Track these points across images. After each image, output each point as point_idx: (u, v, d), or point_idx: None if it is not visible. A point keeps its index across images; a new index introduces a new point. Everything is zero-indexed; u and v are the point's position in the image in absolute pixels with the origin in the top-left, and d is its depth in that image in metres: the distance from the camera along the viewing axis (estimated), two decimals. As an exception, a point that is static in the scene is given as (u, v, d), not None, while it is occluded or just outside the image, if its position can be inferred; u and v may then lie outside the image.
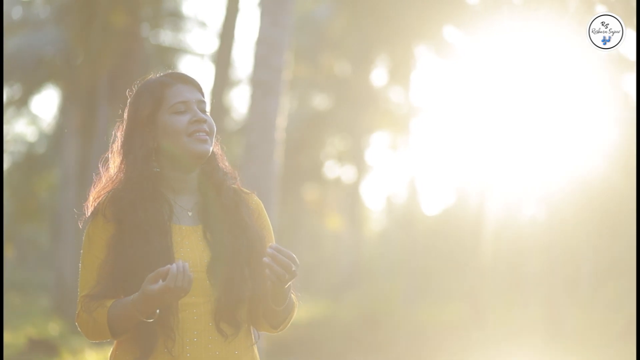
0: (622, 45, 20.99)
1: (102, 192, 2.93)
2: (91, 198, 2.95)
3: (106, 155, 2.99)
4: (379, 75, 30.49)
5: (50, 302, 21.44)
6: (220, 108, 12.77)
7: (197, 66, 41.63)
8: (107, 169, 2.97)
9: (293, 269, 2.68)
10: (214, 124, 2.94)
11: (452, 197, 46.61)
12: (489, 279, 29.28)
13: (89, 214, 2.92)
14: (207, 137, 2.90)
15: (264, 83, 7.63)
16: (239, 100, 33.46)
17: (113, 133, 3.00)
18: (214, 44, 38.06)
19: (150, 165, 2.90)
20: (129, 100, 2.98)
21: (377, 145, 37.10)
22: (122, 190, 2.89)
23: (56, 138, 23.98)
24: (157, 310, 2.73)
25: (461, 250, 36.79)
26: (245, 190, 3.03)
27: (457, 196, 45.76)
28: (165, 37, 21.66)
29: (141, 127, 2.91)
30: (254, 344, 2.96)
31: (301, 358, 17.60)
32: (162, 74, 2.98)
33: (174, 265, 2.62)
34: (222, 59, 12.40)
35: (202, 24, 21.33)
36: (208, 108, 2.97)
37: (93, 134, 18.38)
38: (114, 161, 2.96)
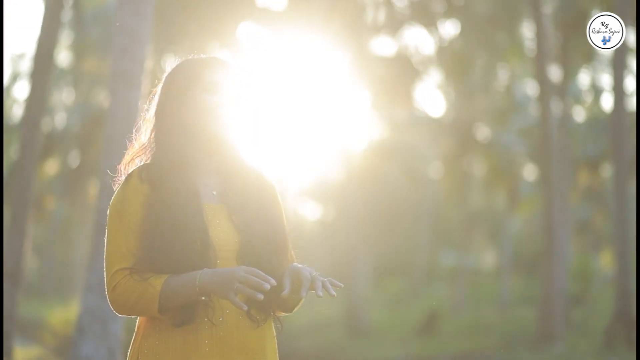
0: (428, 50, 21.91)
1: (135, 157, 3.01)
2: (124, 161, 3.02)
3: (138, 123, 3.07)
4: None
5: None
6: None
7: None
8: (139, 136, 3.05)
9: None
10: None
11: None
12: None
13: (123, 176, 2.97)
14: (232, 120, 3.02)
15: (125, 74, 7.44)
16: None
17: (147, 102, 3.08)
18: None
19: (180, 137, 2.96)
20: (165, 74, 3.08)
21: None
22: (154, 157, 2.97)
23: None
24: None
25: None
26: (264, 176, 3.09)
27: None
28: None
29: (173, 100, 2.99)
30: (275, 336, 3.02)
31: None
32: (203, 55, 3.06)
33: (267, 285, 2.71)
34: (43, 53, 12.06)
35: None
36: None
37: None
38: (146, 129, 3.03)
